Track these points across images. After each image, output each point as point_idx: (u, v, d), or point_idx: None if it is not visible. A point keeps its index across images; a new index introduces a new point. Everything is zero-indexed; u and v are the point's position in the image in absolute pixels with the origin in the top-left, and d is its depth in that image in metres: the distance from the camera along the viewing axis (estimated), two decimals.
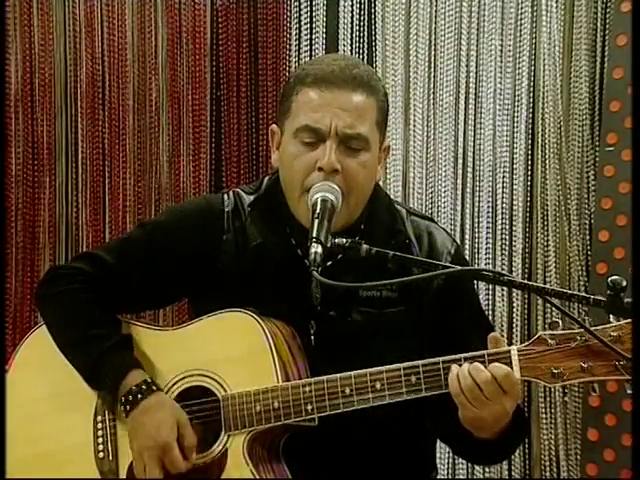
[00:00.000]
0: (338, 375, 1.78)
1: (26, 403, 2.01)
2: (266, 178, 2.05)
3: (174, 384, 1.91)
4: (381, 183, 2.71)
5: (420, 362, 1.75)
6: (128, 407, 1.87)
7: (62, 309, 1.99)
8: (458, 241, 2.71)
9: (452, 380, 1.72)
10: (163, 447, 1.82)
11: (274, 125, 1.98)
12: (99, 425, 1.95)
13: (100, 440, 1.95)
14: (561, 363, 1.69)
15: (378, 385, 1.76)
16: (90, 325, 1.94)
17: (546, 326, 2.50)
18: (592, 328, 1.66)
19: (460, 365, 1.72)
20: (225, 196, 2.02)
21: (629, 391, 1.66)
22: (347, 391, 1.78)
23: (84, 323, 1.95)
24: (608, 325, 1.66)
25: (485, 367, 1.70)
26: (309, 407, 1.79)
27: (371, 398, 1.77)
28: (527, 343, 1.73)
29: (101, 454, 1.94)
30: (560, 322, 1.72)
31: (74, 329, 1.95)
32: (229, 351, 1.86)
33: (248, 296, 1.91)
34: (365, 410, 1.78)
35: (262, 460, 1.86)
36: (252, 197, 2.01)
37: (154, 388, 1.88)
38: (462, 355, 1.73)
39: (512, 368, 1.70)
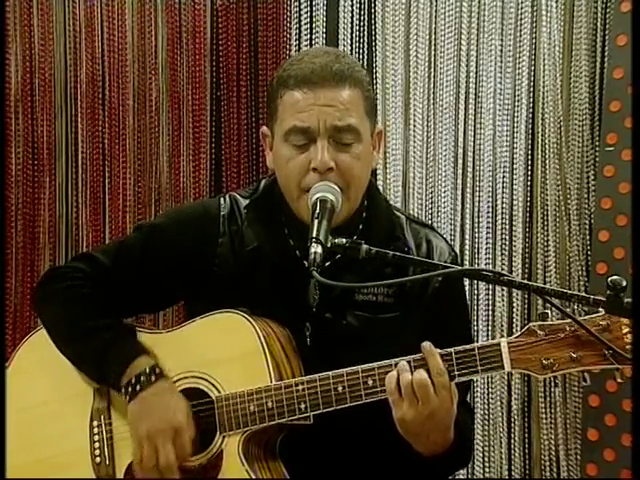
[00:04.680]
0: (330, 373, 1.79)
1: (22, 409, 2.01)
2: (263, 180, 2.05)
3: None
4: (381, 183, 2.73)
5: (411, 357, 1.75)
6: (138, 387, 1.86)
7: (62, 305, 1.99)
8: (458, 241, 2.73)
9: (390, 377, 1.74)
10: (177, 430, 1.82)
11: (264, 127, 1.99)
12: (95, 430, 1.96)
13: (97, 445, 1.95)
14: (551, 354, 1.70)
15: (370, 382, 1.77)
16: (93, 317, 1.95)
17: None
18: (580, 318, 1.68)
19: (450, 359, 1.73)
20: (221, 200, 2.03)
21: (619, 379, 1.67)
22: (340, 389, 1.78)
23: (86, 315, 1.96)
24: (596, 315, 1.68)
25: (476, 361, 1.72)
26: (302, 406, 1.80)
27: (364, 395, 1.78)
28: (517, 335, 1.74)
29: (98, 459, 1.94)
30: (549, 313, 1.73)
31: (76, 322, 1.96)
32: (222, 352, 1.86)
33: (244, 298, 1.91)
34: (361, 407, 1.78)
35: (258, 460, 1.86)
36: (248, 200, 2.01)
37: (165, 374, 1.88)
38: (452, 349, 1.74)
39: (502, 360, 1.71)
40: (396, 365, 1.76)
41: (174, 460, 1.81)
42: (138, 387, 1.86)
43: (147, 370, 1.86)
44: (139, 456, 1.85)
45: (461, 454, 1.94)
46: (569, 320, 1.69)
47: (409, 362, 1.74)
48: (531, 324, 1.73)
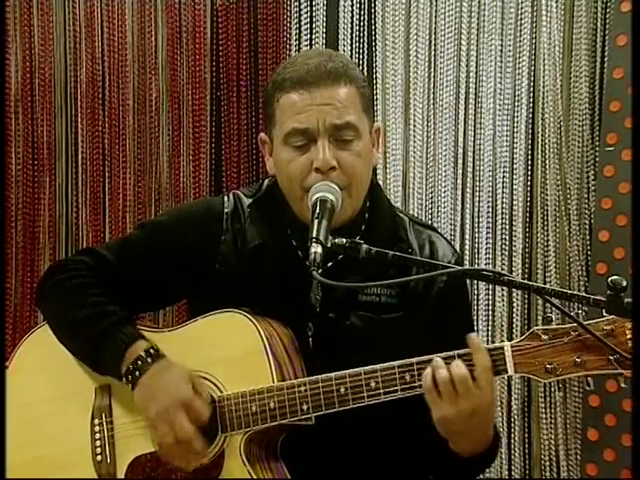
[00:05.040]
0: (333, 374, 1.79)
1: (23, 407, 2.01)
2: (266, 180, 2.06)
3: None
4: (381, 183, 2.73)
5: (414, 360, 1.76)
6: (137, 373, 1.86)
7: (63, 294, 2.00)
8: (458, 241, 2.73)
9: (426, 375, 1.73)
10: (185, 400, 1.81)
11: (262, 134, 1.99)
12: (96, 428, 1.96)
13: (98, 443, 1.95)
14: (555, 358, 1.70)
15: (373, 384, 1.77)
16: (92, 305, 1.95)
17: None
18: (585, 322, 1.67)
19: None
20: (225, 198, 2.04)
21: (623, 385, 1.67)
22: (342, 390, 1.78)
23: (86, 304, 1.96)
24: (600, 319, 1.68)
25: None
26: (305, 407, 1.80)
27: (366, 397, 1.78)
28: (520, 338, 1.74)
29: (99, 457, 1.95)
30: (554, 317, 1.73)
31: (76, 310, 1.96)
32: (224, 352, 1.87)
33: (247, 296, 1.92)
34: (363, 408, 1.78)
35: (260, 460, 1.86)
36: (252, 199, 2.02)
37: (161, 353, 1.88)
38: (456, 352, 1.74)
39: (506, 364, 1.71)
40: (398, 368, 1.76)
41: (191, 428, 1.80)
42: (137, 373, 1.86)
43: (143, 354, 1.86)
44: (158, 439, 1.84)
45: (495, 452, 1.92)
46: (573, 324, 1.69)
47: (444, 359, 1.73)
48: (535, 328, 1.73)
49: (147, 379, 1.85)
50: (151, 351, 1.87)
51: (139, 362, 1.86)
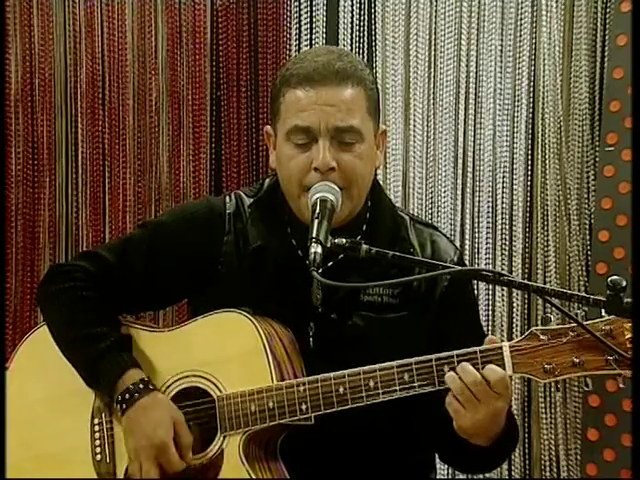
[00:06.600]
0: (332, 374, 1.79)
1: (24, 406, 2.01)
2: (267, 180, 2.05)
3: (170, 385, 1.92)
4: (381, 183, 2.73)
5: (413, 360, 1.76)
6: (124, 405, 1.87)
7: (62, 307, 1.99)
8: (458, 241, 2.73)
9: (454, 380, 1.72)
10: (160, 446, 1.82)
11: (268, 127, 1.99)
12: (96, 427, 1.96)
13: (97, 442, 1.95)
14: (553, 358, 1.70)
15: (372, 383, 1.77)
16: (90, 324, 1.94)
17: None
18: (584, 323, 1.67)
19: (452, 362, 1.73)
20: (227, 198, 2.03)
21: (621, 385, 1.67)
22: (341, 390, 1.78)
23: (84, 321, 1.95)
24: (599, 319, 1.67)
25: (478, 364, 1.71)
26: (303, 406, 1.80)
27: (365, 396, 1.77)
28: (519, 339, 1.74)
29: (98, 456, 1.95)
30: (552, 317, 1.73)
31: (74, 327, 1.95)
32: (224, 351, 1.86)
33: (248, 297, 1.91)
34: (363, 408, 1.78)
35: (259, 460, 1.86)
36: (252, 199, 2.02)
37: (151, 387, 1.88)
38: (455, 352, 1.74)
39: (504, 364, 1.71)
40: (397, 367, 1.76)
41: (156, 474, 1.82)
42: (124, 405, 1.87)
43: (131, 387, 1.87)
44: (131, 469, 1.88)
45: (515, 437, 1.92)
46: (572, 325, 1.69)
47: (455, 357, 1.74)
48: (534, 328, 1.73)
49: (132, 413, 1.86)
50: (140, 385, 1.87)
51: (126, 395, 1.86)
